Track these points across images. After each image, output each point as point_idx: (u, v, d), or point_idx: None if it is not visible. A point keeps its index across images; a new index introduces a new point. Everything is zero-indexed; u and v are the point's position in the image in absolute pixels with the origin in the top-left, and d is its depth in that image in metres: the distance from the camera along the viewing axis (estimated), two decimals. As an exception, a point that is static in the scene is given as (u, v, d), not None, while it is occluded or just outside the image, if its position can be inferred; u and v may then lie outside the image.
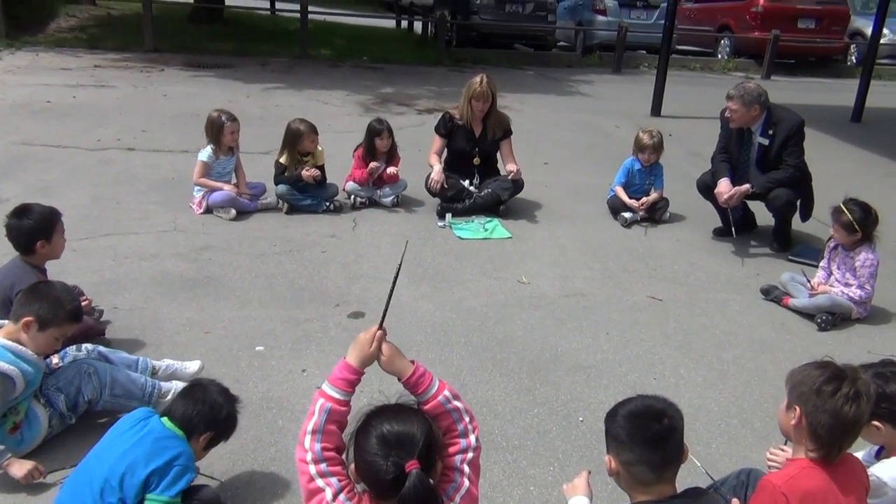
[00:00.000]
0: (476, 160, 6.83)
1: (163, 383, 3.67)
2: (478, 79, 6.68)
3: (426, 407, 2.28)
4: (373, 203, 6.84)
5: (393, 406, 2.16)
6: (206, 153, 6.49)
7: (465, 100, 6.71)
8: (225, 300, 4.87)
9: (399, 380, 2.36)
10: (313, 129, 6.60)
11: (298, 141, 6.53)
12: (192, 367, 3.95)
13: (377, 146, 6.75)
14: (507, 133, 6.87)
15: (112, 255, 5.43)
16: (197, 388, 3.04)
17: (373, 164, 6.68)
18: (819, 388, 2.38)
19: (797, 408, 2.42)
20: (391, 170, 6.78)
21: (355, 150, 6.88)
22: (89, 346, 3.78)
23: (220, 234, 5.96)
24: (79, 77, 11.89)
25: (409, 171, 7.06)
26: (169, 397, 3.58)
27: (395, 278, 2.46)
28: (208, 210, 6.38)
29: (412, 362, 2.36)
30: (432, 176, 6.67)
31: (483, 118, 6.77)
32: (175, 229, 6.01)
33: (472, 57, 16.82)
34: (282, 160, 6.59)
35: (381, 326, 2.40)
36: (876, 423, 2.74)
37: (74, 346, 3.74)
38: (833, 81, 17.26)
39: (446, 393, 2.32)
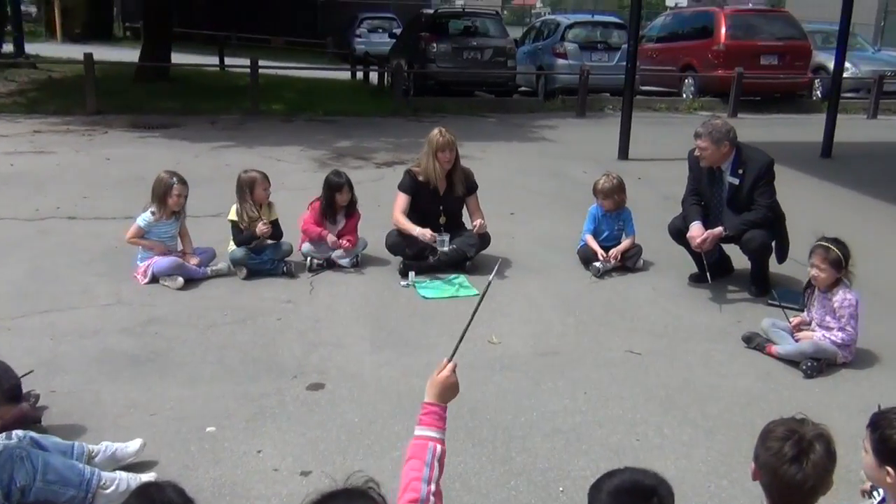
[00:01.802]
0: (442, 219, 6.71)
1: (105, 473, 3.49)
2: (436, 131, 6.61)
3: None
4: (331, 264, 6.71)
5: (341, 492, 2.02)
6: (144, 217, 6.36)
7: (429, 155, 6.56)
8: (172, 377, 4.69)
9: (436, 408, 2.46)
10: (266, 178, 6.54)
11: (252, 189, 6.44)
12: (132, 446, 3.78)
13: (336, 201, 6.65)
14: (473, 188, 6.82)
15: (50, 334, 5.24)
16: (152, 488, 2.87)
17: (330, 238, 6.64)
18: (767, 444, 2.41)
19: (752, 463, 2.49)
20: (345, 242, 6.65)
21: (311, 203, 6.76)
22: (20, 432, 3.60)
23: (166, 306, 5.80)
24: (17, 144, 11.73)
25: (369, 228, 6.97)
26: (111, 489, 3.40)
27: (476, 309, 2.64)
28: (154, 279, 6.21)
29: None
30: (418, 235, 6.48)
31: (447, 175, 6.65)
32: (118, 302, 5.84)
33: (430, 106, 16.88)
34: (233, 216, 6.47)
35: (451, 358, 2.59)
36: (888, 468, 2.61)
37: (4, 434, 3.55)
38: (800, 117, 17.60)
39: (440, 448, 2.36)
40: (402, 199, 6.64)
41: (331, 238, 6.62)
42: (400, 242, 6.62)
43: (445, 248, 6.50)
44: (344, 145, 12.55)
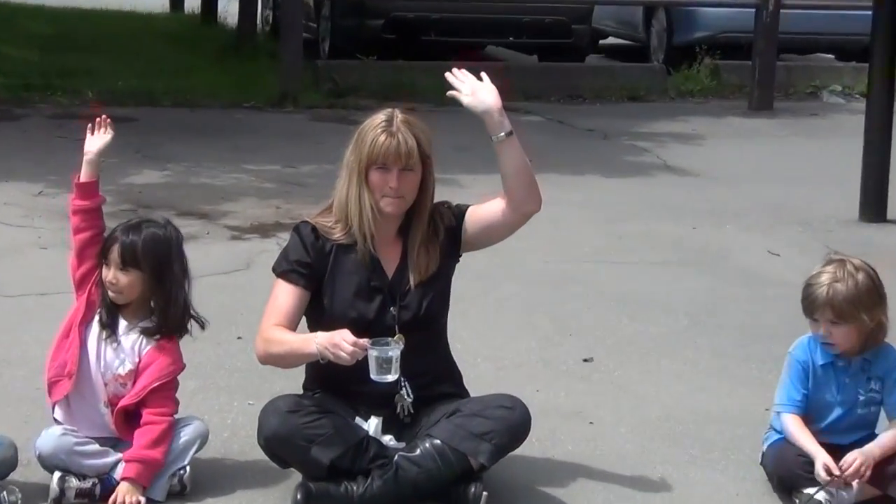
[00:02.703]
0: (396, 340, 3.15)
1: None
2: (379, 118, 3.24)
3: None
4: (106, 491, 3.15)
5: None
6: None
7: (354, 176, 3.22)
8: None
9: None
10: None
11: None
12: None
13: (102, 274, 3.22)
14: (459, 220, 3.40)
15: None
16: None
17: None
18: None
19: None
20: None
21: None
22: None
23: None
24: None
25: (218, 381, 4.17)
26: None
27: None
28: None
29: None
30: (325, 346, 3.02)
31: (402, 226, 3.33)
32: None
33: (375, 82, 9.80)
34: None
35: None
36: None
37: None
38: None
39: None
40: (283, 297, 3.25)
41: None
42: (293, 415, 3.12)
43: (389, 376, 3.05)
44: (153, 180, 7.25)
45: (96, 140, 3.36)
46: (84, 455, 3.17)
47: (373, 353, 3.01)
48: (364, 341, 3.00)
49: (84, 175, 3.35)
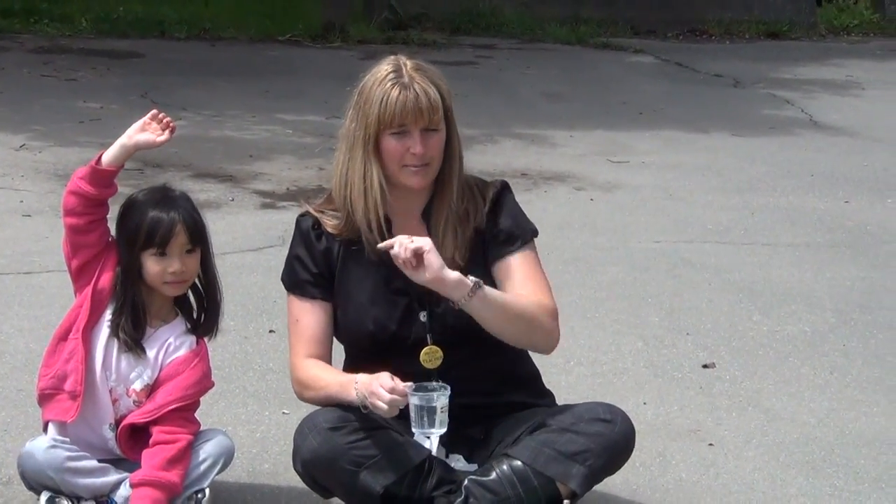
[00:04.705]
0: (428, 349, 3.21)
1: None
2: (383, 69, 3.17)
3: None
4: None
5: None
6: None
7: (360, 145, 3.19)
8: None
9: None
10: None
11: None
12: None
13: (149, 280, 3.21)
14: (512, 235, 3.30)
15: None
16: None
17: None
18: None
19: None
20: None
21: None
22: None
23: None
24: None
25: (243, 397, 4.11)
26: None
27: None
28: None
29: None
30: (363, 394, 3.01)
31: (428, 204, 3.29)
32: None
33: (445, 10, 10.64)
34: None
35: None
36: None
37: None
38: None
39: None
40: (304, 319, 3.28)
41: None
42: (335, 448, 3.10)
43: (434, 431, 3.07)
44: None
45: (147, 134, 3.21)
46: (78, 472, 3.17)
47: (413, 401, 2.98)
48: (405, 386, 2.96)
49: (110, 158, 3.15)
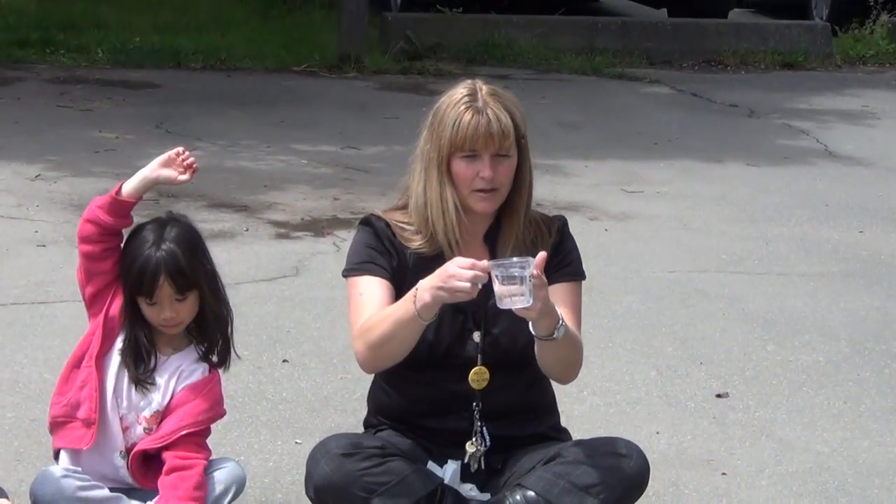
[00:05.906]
0: (479, 378, 3.19)
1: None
2: (458, 93, 3.19)
3: None
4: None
5: None
6: None
7: (436, 166, 3.17)
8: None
9: None
10: None
11: None
12: None
13: (149, 320, 3.22)
14: (574, 268, 3.34)
15: None
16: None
17: None
18: None
19: None
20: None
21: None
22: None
23: None
24: None
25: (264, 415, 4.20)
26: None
27: None
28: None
29: None
30: (460, 281, 2.88)
31: (492, 228, 3.29)
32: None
33: (461, 41, 10.37)
34: None
35: None
36: None
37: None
38: None
39: None
40: (369, 292, 3.21)
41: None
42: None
43: (520, 300, 2.88)
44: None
45: (170, 171, 3.22)
46: (90, 502, 3.19)
47: (497, 272, 2.86)
48: (485, 263, 2.90)
49: (130, 189, 3.17)
